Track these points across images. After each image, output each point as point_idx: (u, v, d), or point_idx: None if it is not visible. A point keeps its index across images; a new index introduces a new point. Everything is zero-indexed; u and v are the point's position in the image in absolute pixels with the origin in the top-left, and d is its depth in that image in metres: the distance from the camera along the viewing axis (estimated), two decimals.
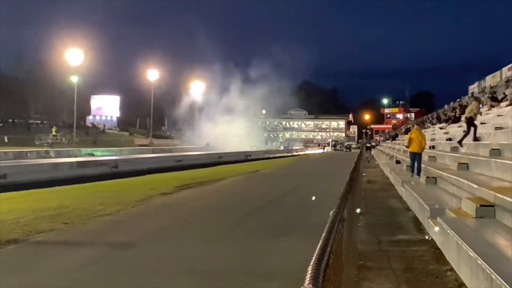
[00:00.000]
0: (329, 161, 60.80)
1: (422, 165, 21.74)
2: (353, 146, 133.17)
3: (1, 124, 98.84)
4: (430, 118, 62.82)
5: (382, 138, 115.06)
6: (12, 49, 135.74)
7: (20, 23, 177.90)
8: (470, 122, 22.36)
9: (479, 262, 6.79)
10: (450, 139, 28.20)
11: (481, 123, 25.74)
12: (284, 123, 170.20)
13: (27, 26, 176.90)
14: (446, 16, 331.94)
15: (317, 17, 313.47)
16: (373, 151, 70.30)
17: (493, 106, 33.44)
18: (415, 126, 25.59)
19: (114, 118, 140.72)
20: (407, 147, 22.83)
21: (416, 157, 21.73)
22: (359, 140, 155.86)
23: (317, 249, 2.80)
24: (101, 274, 8.96)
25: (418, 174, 21.16)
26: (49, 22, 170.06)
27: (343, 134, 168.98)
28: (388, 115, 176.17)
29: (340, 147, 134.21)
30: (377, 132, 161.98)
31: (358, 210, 10.22)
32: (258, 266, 9.56)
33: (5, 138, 78.81)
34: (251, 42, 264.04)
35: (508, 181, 12.01)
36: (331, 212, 4.08)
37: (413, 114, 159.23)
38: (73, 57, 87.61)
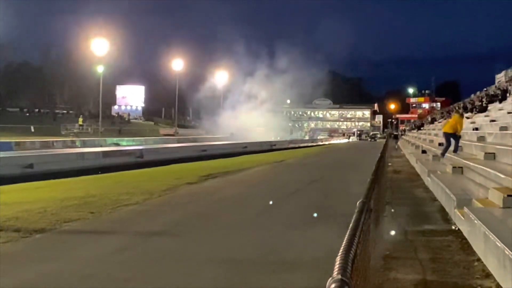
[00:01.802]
0: (355, 151, 60.58)
1: (447, 154, 21.77)
2: (378, 135, 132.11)
3: (27, 114, 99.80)
4: (457, 108, 62.25)
5: (407, 128, 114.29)
6: (38, 40, 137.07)
7: (46, 14, 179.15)
8: None
9: (507, 252, 6.74)
10: (476, 129, 27.95)
11: (508, 113, 25.51)
12: (308, 112, 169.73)
13: (53, 17, 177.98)
14: (473, 4, 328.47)
15: (343, 7, 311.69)
16: (399, 141, 70.27)
17: None
18: (455, 113, 26.39)
19: (139, 108, 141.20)
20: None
21: (448, 137, 22.26)
22: (385, 130, 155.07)
23: (345, 240, 2.81)
24: (128, 263, 9.02)
25: (455, 151, 21.75)
26: (75, 12, 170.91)
27: (368, 124, 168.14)
28: (414, 105, 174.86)
29: (365, 136, 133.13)
30: (402, 121, 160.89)
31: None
32: (284, 255, 9.56)
33: (32, 127, 79.41)
34: (275, 32, 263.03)
35: None
36: (358, 202, 4.07)
37: (438, 104, 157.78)
38: (99, 47, 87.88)
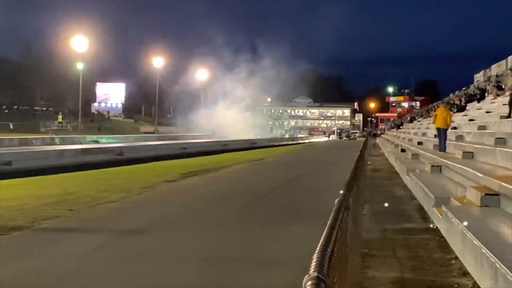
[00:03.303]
0: (334, 149, 60.63)
1: (440, 152, 21.89)
2: (357, 134, 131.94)
3: (6, 111, 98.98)
4: (436, 107, 62.56)
5: (387, 127, 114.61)
6: (17, 36, 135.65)
7: (26, 10, 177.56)
8: None
9: (484, 251, 6.80)
10: (455, 128, 28.10)
11: (486, 112, 25.71)
12: (289, 111, 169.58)
13: (32, 13, 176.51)
14: (452, 4, 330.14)
15: (323, 5, 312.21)
16: (378, 140, 70.75)
17: (498, 95, 33.33)
18: (441, 105, 26.68)
19: (119, 105, 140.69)
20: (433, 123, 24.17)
21: (440, 132, 22.37)
22: (364, 129, 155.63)
23: (322, 237, 2.81)
24: (106, 261, 9.00)
25: (443, 150, 21.78)
26: (55, 9, 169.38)
27: (348, 122, 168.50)
28: (393, 104, 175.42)
29: (346, 135, 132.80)
30: (382, 120, 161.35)
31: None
32: (263, 253, 9.58)
33: (10, 125, 78.81)
34: (255, 31, 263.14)
35: None
36: (336, 200, 4.08)
37: (418, 103, 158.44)
38: (79, 44, 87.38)
